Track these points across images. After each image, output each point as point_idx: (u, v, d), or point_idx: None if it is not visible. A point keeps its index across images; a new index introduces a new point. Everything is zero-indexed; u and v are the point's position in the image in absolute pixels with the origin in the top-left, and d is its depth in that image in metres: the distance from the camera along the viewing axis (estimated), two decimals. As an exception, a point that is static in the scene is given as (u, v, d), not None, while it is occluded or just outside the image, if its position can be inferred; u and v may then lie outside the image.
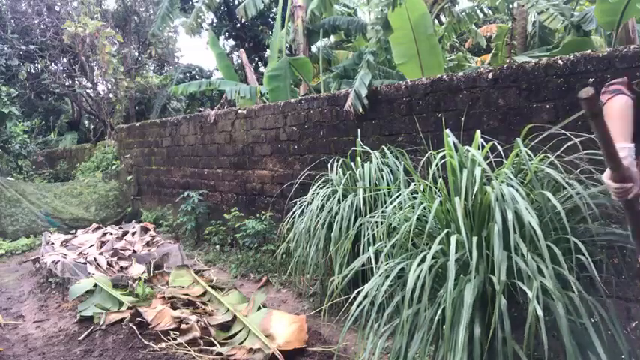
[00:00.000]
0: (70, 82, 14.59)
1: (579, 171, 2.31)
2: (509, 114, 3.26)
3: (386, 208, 2.71)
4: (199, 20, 8.71)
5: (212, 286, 4.47)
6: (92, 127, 17.96)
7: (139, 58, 14.95)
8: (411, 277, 2.00)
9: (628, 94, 1.69)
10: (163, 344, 3.39)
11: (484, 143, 2.42)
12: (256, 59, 14.54)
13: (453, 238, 2.00)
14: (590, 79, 2.82)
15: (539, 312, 1.74)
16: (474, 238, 1.96)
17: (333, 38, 10.56)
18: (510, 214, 1.92)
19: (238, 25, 14.01)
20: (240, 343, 3.29)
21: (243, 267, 5.26)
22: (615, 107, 1.67)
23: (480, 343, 1.87)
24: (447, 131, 2.37)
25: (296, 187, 4.54)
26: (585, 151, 2.33)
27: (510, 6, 6.98)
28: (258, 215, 5.46)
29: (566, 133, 2.41)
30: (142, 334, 3.56)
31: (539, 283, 1.81)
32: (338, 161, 3.98)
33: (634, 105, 1.67)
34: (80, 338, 3.65)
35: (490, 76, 3.35)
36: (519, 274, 1.92)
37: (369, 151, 3.77)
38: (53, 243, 6.08)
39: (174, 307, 3.90)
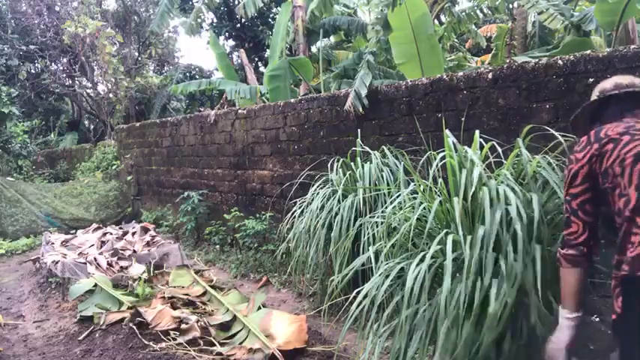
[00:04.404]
0: (70, 82, 14.60)
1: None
2: (509, 114, 3.26)
3: (386, 208, 2.70)
4: (199, 20, 8.70)
5: (212, 286, 4.47)
6: (92, 127, 17.97)
7: (139, 58, 14.95)
8: (409, 277, 2.00)
9: (582, 262, 1.72)
10: (163, 344, 3.39)
11: (484, 143, 2.42)
12: (256, 59, 14.54)
13: (450, 238, 2.00)
14: (590, 79, 2.82)
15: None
16: (469, 238, 1.96)
17: (333, 38, 10.55)
18: (498, 214, 1.93)
19: (238, 25, 14.01)
20: (240, 343, 3.29)
21: (243, 267, 5.26)
22: (571, 282, 1.74)
23: (471, 343, 1.88)
24: (447, 131, 2.36)
25: (296, 187, 4.54)
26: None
27: (510, 6, 6.98)
28: (258, 215, 5.46)
29: (567, 135, 2.41)
30: (142, 334, 3.56)
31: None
32: (338, 161, 3.97)
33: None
34: (80, 338, 3.64)
35: (490, 76, 3.35)
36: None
37: (369, 151, 3.76)
38: (53, 243, 6.08)
39: (174, 307, 3.90)
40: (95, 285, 4.38)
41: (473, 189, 2.04)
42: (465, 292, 1.86)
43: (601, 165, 1.66)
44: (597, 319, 2.11)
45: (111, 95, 12.51)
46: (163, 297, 4.12)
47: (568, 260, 1.73)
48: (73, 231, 7.32)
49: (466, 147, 2.26)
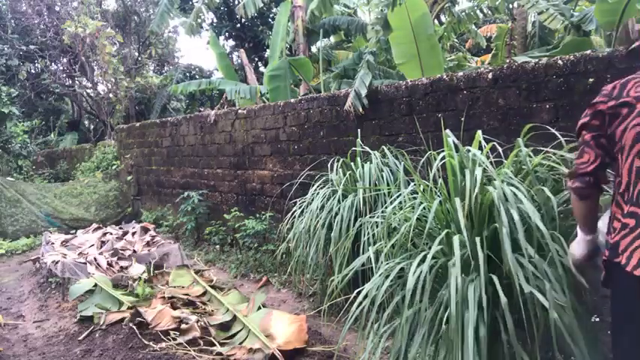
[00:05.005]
0: (70, 82, 14.61)
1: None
2: (509, 114, 3.26)
3: (386, 208, 2.70)
4: (199, 20, 8.69)
5: (212, 286, 4.47)
6: (92, 127, 17.97)
7: (139, 58, 14.95)
8: (410, 277, 2.00)
9: (591, 186, 1.70)
10: (163, 344, 3.39)
11: (484, 143, 2.42)
12: (256, 59, 14.54)
13: (456, 239, 1.99)
14: (590, 79, 2.82)
15: (555, 316, 1.75)
16: (477, 239, 1.95)
17: (333, 38, 10.54)
18: (516, 214, 1.92)
19: (238, 25, 14.02)
20: (240, 343, 3.29)
21: (243, 267, 5.26)
22: (582, 212, 1.79)
23: (485, 344, 1.87)
24: (447, 131, 2.36)
25: (296, 187, 4.54)
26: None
27: (510, 6, 6.97)
28: (258, 215, 5.46)
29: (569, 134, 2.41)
30: (142, 334, 3.56)
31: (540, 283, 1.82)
32: (338, 161, 3.97)
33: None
34: (80, 338, 3.64)
35: (490, 76, 3.35)
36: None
37: (369, 151, 3.76)
38: (53, 243, 6.08)
39: (174, 307, 3.90)
40: (95, 285, 4.38)
41: (476, 189, 2.03)
42: (476, 291, 1.86)
43: (611, 125, 1.60)
44: (597, 319, 2.10)
45: (111, 95, 12.51)
46: (163, 297, 4.12)
47: (576, 193, 1.75)
48: (73, 231, 7.32)
49: (470, 147, 2.26)
